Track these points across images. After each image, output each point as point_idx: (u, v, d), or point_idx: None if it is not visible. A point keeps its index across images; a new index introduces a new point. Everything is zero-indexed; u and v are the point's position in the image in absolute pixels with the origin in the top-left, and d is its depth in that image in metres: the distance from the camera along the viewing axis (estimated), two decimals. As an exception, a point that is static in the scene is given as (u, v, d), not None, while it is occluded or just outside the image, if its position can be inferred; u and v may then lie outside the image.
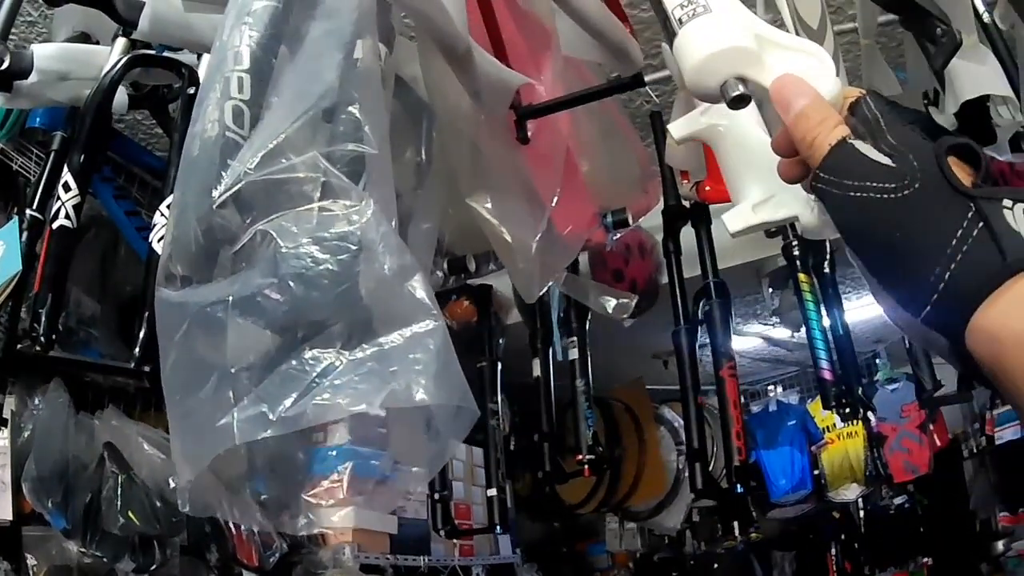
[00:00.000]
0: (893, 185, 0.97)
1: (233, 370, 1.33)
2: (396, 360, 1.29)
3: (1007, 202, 0.92)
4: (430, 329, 1.30)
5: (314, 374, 1.28)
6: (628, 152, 2.77)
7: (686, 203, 3.91)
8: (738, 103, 1.12)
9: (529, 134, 2.23)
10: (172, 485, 3.90)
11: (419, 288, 1.33)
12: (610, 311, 3.68)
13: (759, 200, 1.74)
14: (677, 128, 1.98)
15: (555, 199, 2.23)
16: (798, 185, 1.18)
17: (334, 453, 4.35)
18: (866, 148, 1.02)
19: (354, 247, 1.31)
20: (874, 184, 0.99)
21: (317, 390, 1.27)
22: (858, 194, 1.00)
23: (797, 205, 1.70)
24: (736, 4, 1.21)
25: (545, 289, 2.57)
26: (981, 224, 0.91)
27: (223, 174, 1.40)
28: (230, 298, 1.32)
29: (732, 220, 1.76)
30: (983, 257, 0.90)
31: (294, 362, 1.30)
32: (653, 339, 6.28)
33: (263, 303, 1.31)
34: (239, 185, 1.36)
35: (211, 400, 1.33)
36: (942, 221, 0.93)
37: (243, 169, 1.37)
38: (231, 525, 4.29)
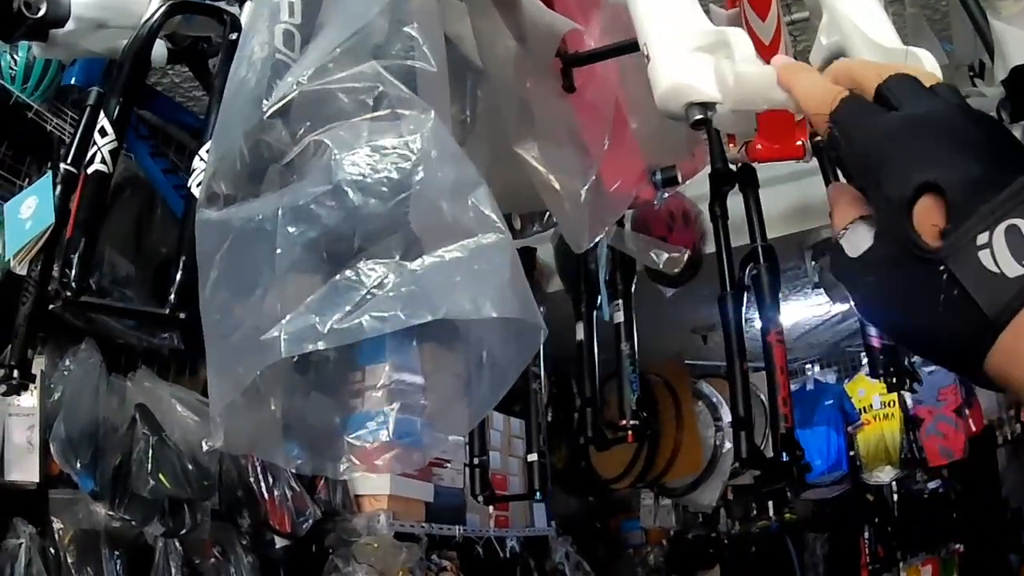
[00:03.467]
0: (872, 279, 0.95)
1: (282, 282, 1.27)
2: (459, 272, 1.23)
3: (982, 237, 0.83)
4: (495, 242, 1.25)
5: (370, 285, 1.22)
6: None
7: (733, 167, 3.85)
8: (699, 126, 1.16)
9: (576, 84, 2.21)
10: (205, 448, 3.85)
11: (483, 200, 1.28)
12: (661, 265, 3.63)
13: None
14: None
15: (604, 151, 2.20)
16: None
17: (372, 416, 4.30)
18: (853, 236, 0.98)
19: (414, 156, 1.26)
20: (857, 281, 0.97)
21: (373, 302, 1.21)
22: (854, 292, 0.98)
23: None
24: (671, 35, 1.24)
25: (588, 250, 2.53)
26: (955, 290, 0.84)
27: (273, 88, 1.36)
28: (279, 209, 1.27)
29: None
30: (969, 318, 0.84)
31: (348, 273, 1.24)
32: (693, 313, 6.25)
33: (316, 211, 1.26)
34: (292, 95, 1.32)
35: (255, 314, 1.28)
36: (920, 289, 0.88)
37: (296, 79, 1.33)
38: (264, 490, 4.27)
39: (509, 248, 1.26)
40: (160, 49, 2.57)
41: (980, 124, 0.90)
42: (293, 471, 4.37)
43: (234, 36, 2.28)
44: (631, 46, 2.22)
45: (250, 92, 1.38)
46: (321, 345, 1.20)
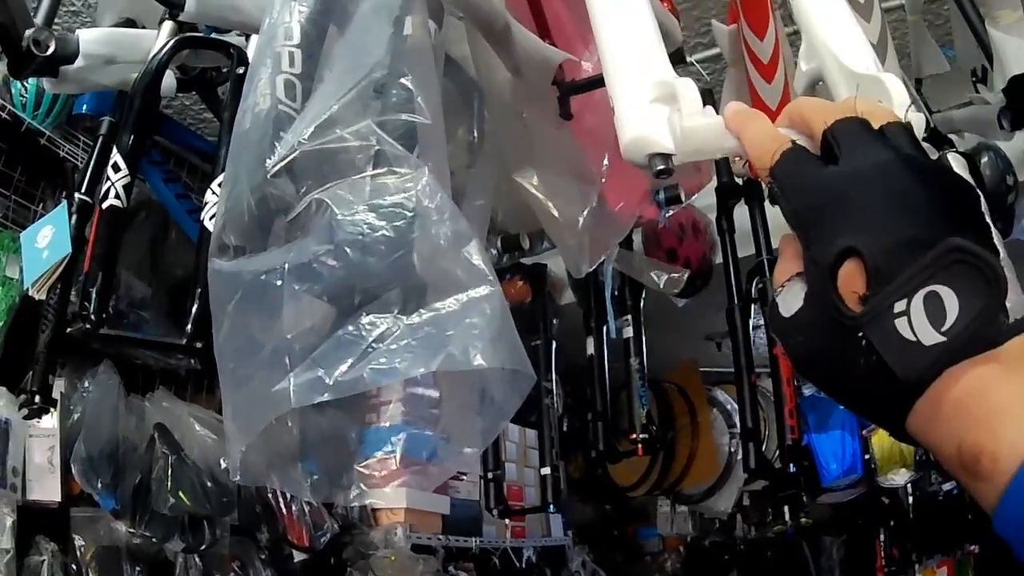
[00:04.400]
0: (802, 339, 0.96)
1: (289, 336, 1.33)
2: (453, 325, 1.29)
3: (899, 304, 0.84)
4: (486, 294, 1.30)
5: (371, 339, 1.28)
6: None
7: (738, 180, 3.88)
8: (660, 175, 1.17)
9: (574, 110, 2.24)
10: (223, 465, 3.91)
11: (475, 254, 1.33)
12: (661, 286, 3.67)
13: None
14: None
15: (603, 175, 2.23)
16: None
17: (387, 432, 4.35)
18: (787, 296, 0.99)
19: (410, 214, 1.31)
20: (790, 342, 0.98)
21: (374, 355, 1.27)
22: (789, 350, 0.98)
23: None
24: (631, 85, 1.26)
25: (598, 265, 2.57)
26: (873, 357, 0.85)
27: (276, 145, 1.41)
28: (286, 265, 1.33)
29: None
30: (887, 385, 0.85)
31: (351, 328, 1.30)
32: (706, 320, 6.27)
33: (319, 269, 1.31)
34: (294, 155, 1.37)
35: (266, 366, 1.33)
36: (843, 354, 0.88)
37: (297, 139, 1.38)
38: (282, 505, 4.30)
39: (499, 299, 1.31)
40: (169, 80, 2.63)
41: (922, 176, 0.90)
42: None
43: (241, 70, 2.34)
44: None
45: (255, 147, 1.43)
46: (327, 396, 1.26)
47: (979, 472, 0.81)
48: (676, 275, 3.66)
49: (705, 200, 4.06)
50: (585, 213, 2.17)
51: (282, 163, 1.37)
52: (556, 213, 2.15)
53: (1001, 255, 0.84)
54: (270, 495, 4.29)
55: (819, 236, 0.91)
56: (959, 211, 0.87)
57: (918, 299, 0.83)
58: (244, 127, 1.48)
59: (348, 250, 1.30)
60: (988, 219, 0.88)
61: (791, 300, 0.96)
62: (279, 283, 1.32)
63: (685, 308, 4.74)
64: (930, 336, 0.82)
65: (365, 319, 1.30)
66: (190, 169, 4.44)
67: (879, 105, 1.04)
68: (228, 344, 1.39)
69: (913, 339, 0.83)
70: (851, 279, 0.87)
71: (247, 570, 4.22)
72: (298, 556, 4.42)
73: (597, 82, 2.24)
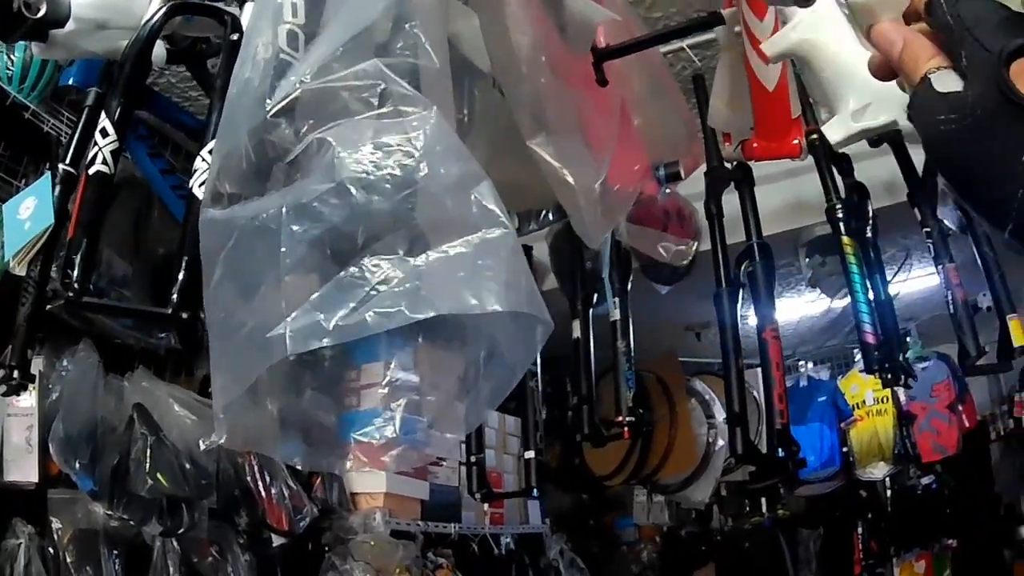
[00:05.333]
0: (956, 116, 0.95)
1: (287, 279, 1.28)
2: (463, 267, 1.25)
3: None
4: (499, 236, 1.26)
5: (374, 281, 1.24)
6: (675, 111, 2.78)
7: (728, 165, 3.86)
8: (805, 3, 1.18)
9: (586, 82, 2.23)
10: (202, 447, 3.86)
11: (487, 195, 1.30)
12: (669, 257, 3.65)
13: (857, 108, 1.77)
14: (770, 46, 2.03)
15: (613, 147, 2.22)
16: (894, 90, 1.16)
17: (369, 415, 4.31)
18: (943, 77, 0.99)
19: (417, 153, 1.27)
20: (943, 117, 0.97)
21: (378, 298, 1.23)
22: (935, 128, 0.98)
23: (895, 110, 1.71)
24: None
25: (602, 239, 2.56)
26: None
27: (277, 87, 1.37)
28: (283, 207, 1.28)
29: (832, 130, 1.82)
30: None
31: (352, 270, 1.26)
32: (687, 310, 6.26)
33: (320, 209, 1.27)
34: (295, 94, 1.33)
35: (260, 312, 1.29)
36: (1008, 142, 0.89)
37: (299, 78, 1.34)
38: (261, 488, 4.27)
39: (513, 242, 1.27)
40: (160, 50, 2.58)
41: None
42: (290, 470, 4.38)
43: (235, 37, 2.29)
44: (660, 37, 2.26)
45: (254, 91, 1.39)
46: (327, 342, 1.21)
47: None
48: (683, 247, 3.66)
49: (690, 189, 4.03)
50: (600, 182, 2.15)
51: (283, 102, 1.34)
52: (572, 180, 2.13)
53: None
54: (249, 478, 4.25)
55: (990, 33, 0.95)
56: None
57: None
58: (243, 75, 1.45)
59: (351, 188, 1.26)
60: None
61: (948, 82, 0.99)
62: (276, 226, 1.28)
63: (666, 298, 4.71)
64: None
65: (368, 261, 1.26)
66: (174, 149, 4.38)
67: None
68: (219, 293, 1.34)
69: None
70: (1020, 73, 0.90)
71: (225, 554, 4.18)
72: (277, 540, 4.38)
73: (631, 47, 2.23)
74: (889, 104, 1.71)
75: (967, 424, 7.78)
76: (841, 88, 1.82)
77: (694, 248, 3.71)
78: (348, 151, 1.26)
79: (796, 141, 3.65)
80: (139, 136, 3.67)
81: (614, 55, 2.20)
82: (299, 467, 3.92)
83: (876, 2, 1.11)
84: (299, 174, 1.34)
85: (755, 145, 3.51)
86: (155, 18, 2.43)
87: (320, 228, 1.29)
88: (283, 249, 1.28)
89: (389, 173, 1.25)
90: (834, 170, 3.75)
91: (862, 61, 1.22)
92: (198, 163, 2.16)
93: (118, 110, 2.40)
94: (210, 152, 1.99)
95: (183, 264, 2.14)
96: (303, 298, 1.26)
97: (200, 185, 2.06)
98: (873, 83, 1.19)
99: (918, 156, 3.57)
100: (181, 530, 3.92)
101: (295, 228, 1.28)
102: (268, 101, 1.35)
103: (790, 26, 1.94)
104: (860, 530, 8.56)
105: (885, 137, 3.34)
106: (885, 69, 1.14)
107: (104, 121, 2.39)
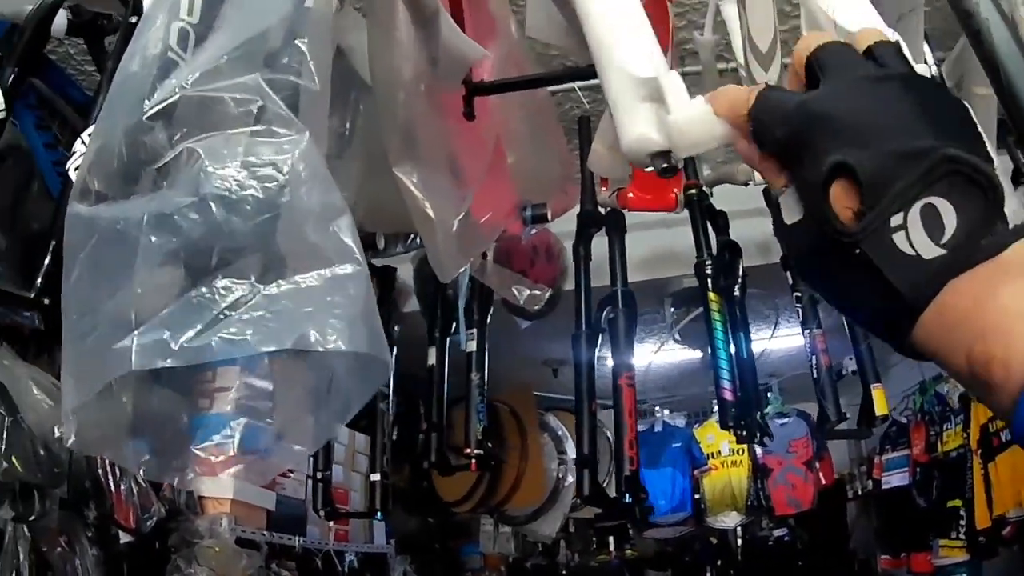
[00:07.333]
0: (798, 248, 0.94)
1: (139, 291, 1.27)
2: (312, 300, 1.25)
3: (896, 219, 0.82)
4: (351, 273, 1.26)
5: (223, 305, 1.23)
6: (553, 150, 2.77)
7: (601, 210, 3.89)
8: (665, 173, 1.15)
9: (463, 113, 2.23)
10: (57, 434, 3.81)
11: (345, 229, 1.29)
12: (522, 301, 3.66)
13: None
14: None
15: (479, 181, 2.22)
16: None
17: (222, 419, 4.28)
18: (788, 202, 0.94)
19: (283, 177, 1.27)
20: (789, 246, 0.96)
21: (225, 323, 1.22)
22: (789, 252, 0.97)
23: None
24: (623, 82, 1.20)
25: (457, 273, 2.55)
26: (874, 273, 0.83)
27: (158, 87, 1.36)
28: (144, 215, 1.27)
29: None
30: (890, 300, 0.84)
31: (204, 290, 1.25)
32: (545, 346, 6.31)
33: (179, 222, 1.26)
34: (173, 99, 1.32)
35: (110, 321, 1.27)
36: (843, 270, 0.87)
37: (179, 83, 1.33)
38: (111, 483, 4.21)
39: (364, 280, 1.27)
40: (61, 20, 2.57)
41: (910, 88, 0.88)
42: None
43: (134, 19, 2.26)
44: (536, 81, 2.26)
45: (136, 89, 1.37)
46: (170, 362, 1.20)
47: (991, 380, 0.79)
48: (537, 292, 3.66)
49: (562, 227, 4.05)
50: (459, 217, 2.15)
51: (160, 106, 1.32)
52: (431, 213, 2.11)
53: (996, 163, 0.82)
54: (100, 471, 4.20)
55: (808, 156, 0.88)
56: (951, 122, 0.86)
57: (915, 212, 0.82)
58: (129, 69, 1.43)
59: (212, 205, 1.25)
60: (979, 129, 0.86)
61: (793, 207, 0.93)
62: (136, 234, 1.27)
63: (526, 332, 4.74)
64: (929, 249, 0.81)
65: (220, 283, 1.25)
66: (62, 123, 4.32)
67: (867, 29, 1.01)
68: (74, 293, 1.32)
69: (912, 253, 0.82)
70: (844, 195, 0.85)
71: (74, 546, 4.11)
72: (124, 537, 4.33)
73: (505, 85, 2.22)
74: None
75: (824, 481, 7.96)
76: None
77: (547, 295, 3.72)
78: (215, 166, 1.25)
79: (673, 193, 3.69)
80: (29, 105, 3.61)
81: (487, 91, 2.20)
82: (147, 476, 3.89)
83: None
84: (166, 183, 1.33)
85: (630, 195, 3.55)
86: (59, -13, 2.42)
87: (178, 242, 1.28)
88: (138, 259, 1.26)
89: (252, 194, 1.24)
90: (709, 226, 3.80)
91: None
92: (77, 145, 2.14)
93: (12, 78, 2.38)
94: (89, 135, 1.97)
95: (50, 249, 2.12)
96: (154, 312, 1.25)
97: (75, 169, 2.05)
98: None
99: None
100: (32, 517, 3.86)
101: (153, 239, 1.26)
102: (147, 102, 1.34)
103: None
104: (709, 575, 8.69)
105: (766, 196, 3.41)
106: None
107: (-6, 88, 2.37)
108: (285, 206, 1.27)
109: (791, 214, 0.93)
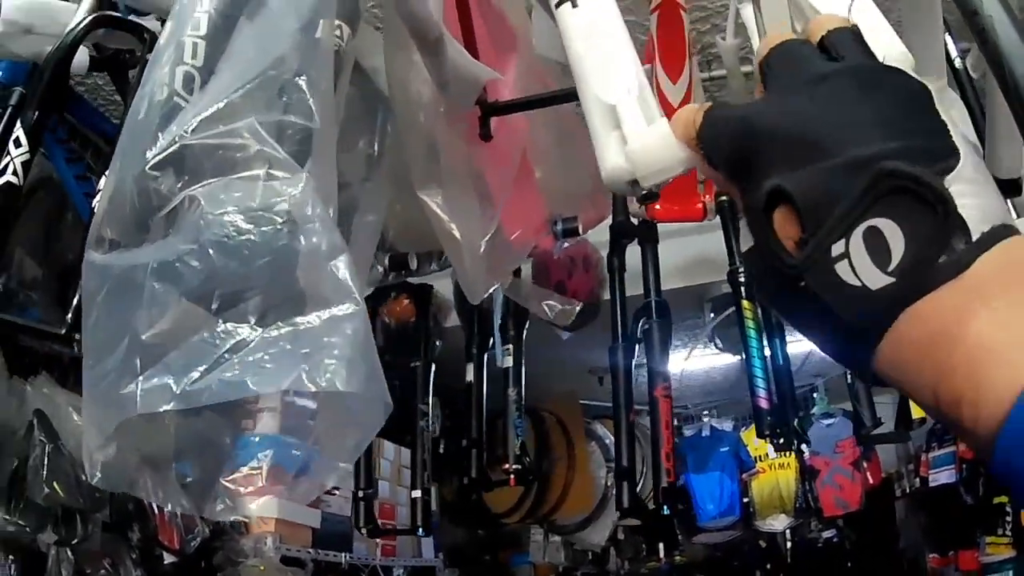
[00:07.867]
0: (754, 276, 0.88)
1: (144, 337, 1.30)
2: (311, 342, 1.26)
3: (836, 247, 0.73)
4: (349, 313, 1.28)
5: (224, 349, 1.25)
6: (582, 163, 2.77)
7: (634, 220, 3.88)
8: (646, 200, 1.13)
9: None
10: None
11: (343, 269, 1.30)
12: (552, 317, 3.67)
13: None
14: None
15: (507, 199, 2.22)
16: None
17: (257, 440, 4.31)
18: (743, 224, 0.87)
19: (280, 220, 1.28)
20: (753, 259, 0.84)
21: (225, 365, 1.24)
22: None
23: None
24: (600, 111, 1.18)
25: (488, 293, 2.56)
26: (822, 305, 0.75)
27: (161, 134, 1.38)
28: (150, 263, 1.29)
29: None
30: (842, 333, 0.78)
31: (206, 334, 1.27)
32: (590, 354, 6.28)
33: (181, 269, 1.28)
34: (173, 148, 1.34)
35: (119, 366, 1.30)
36: (795, 299, 0.79)
37: (180, 131, 1.35)
38: (154, 506, 4.24)
39: (363, 319, 1.28)
40: (82, 57, 2.60)
41: (857, 83, 0.79)
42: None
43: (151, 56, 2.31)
44: (551, 99, 2.26)
45: (142, 137, 1.39)
46: (173, 406, 1.23)
47: (962, 422, 0.72)
48: (567, 307, 3.67)
49: (597, 237, 4.05)
50: (487, 238, 2.15)
51: (161, 155, 1.34)
52: (458, 235, 2.10)
53: (967, 152, 0.76)
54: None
55: (751, 179, 0.81)
56: (902, 116, 0.77)
57: (856, 238, 0.73)
58: (137, 116, 1.45)
59: (211, 251, 1.26)
60: (944, 116, 0.77)
61: (747, 234, 0.84)
62: (141, 281, 1.29)
63: (570, 340, 4.75)
64: (876, 278, 0.73)
65: (221, 327, 1.27)
66: (95, 152, 4.35)
67: (822, 16, 0.91)
68: (92, 339, 1.36)
69: (858, 284, 0.74)
70: (785, 223, 0.78)
71: (118, 568, 4.16)
72: (168, 558, 4.36)
73: (520, 105, 2.22)
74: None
75: (871, 481, 7.86)
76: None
77: (577, 309, 3.72)
78: (214, 212, 1.27)
79: (701, 204, 3.69)
80: (59, 139, 3.65)
81: (501, 112, 2.20)
82: (178, 510, 3.92)
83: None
84: (171, 230, 1.36)
85: (657, 207, 3.56)
86: (78, 28, 2.45)
87: (181, 288, 1.30)
88: (144, 305, 1.29)
89: (249, 239, 1.26)
90: (740, 229, 3.79)
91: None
92: (103, 181, 2.17)
93: (33, 120, 2.42)
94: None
95: (80, 286, 2.15)
96: (158, 357, 1.27)
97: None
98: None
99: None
100: (75, 541, 3.90)
101: (157, 286, 1.28)
102: (151, 151, 1.36)
103: None
104: (758, 580, 8.66)
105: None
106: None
107: (18, 130, 2.41)
108: (282, 249, 1.28)
109: (747, 239, 0.85)
